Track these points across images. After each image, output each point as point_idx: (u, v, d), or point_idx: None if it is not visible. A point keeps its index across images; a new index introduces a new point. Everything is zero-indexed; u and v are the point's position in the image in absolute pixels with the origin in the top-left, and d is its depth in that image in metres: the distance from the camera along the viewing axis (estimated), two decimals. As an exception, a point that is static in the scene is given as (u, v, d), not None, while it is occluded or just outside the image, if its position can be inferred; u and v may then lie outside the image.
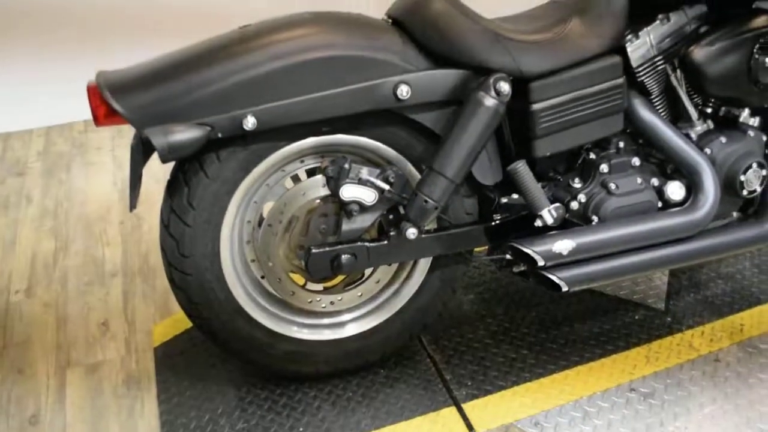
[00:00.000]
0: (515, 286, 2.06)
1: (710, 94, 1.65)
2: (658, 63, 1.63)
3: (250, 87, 1.38)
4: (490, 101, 1.43)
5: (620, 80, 1.57)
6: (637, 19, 1.63)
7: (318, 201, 1.59)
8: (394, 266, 1.70)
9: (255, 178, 1.53)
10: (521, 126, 1.55)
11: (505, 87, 1.44)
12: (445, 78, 1.46)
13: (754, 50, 1.59)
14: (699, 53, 1.59)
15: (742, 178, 1.71)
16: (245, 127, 1.38)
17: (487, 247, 1.74)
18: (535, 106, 1.51)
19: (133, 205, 1.46)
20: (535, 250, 1.56)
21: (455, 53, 1.46)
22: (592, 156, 1.69)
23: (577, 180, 1.68)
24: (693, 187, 1.68)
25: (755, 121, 1.77)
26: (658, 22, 1.61)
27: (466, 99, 1.45)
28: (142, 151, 1.40)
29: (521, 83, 1.51)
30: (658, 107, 1.68)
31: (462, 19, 1.46)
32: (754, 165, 1.71)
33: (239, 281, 1.62)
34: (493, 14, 1.60)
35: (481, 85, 1.44)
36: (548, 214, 1.54)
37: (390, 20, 1.55)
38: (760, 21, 1.62)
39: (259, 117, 1.38)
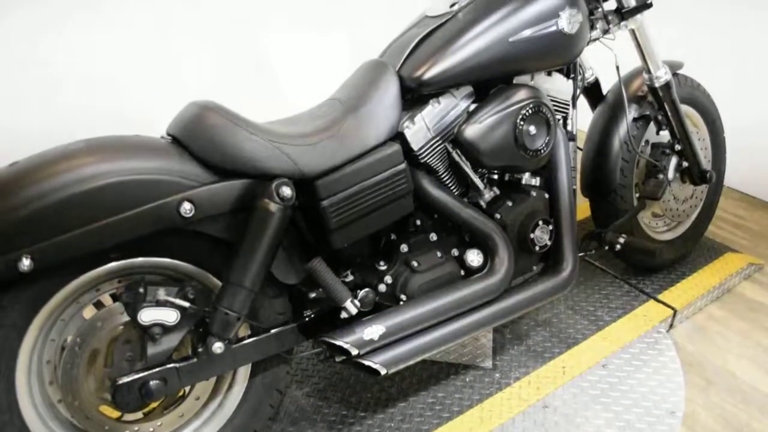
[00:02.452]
0: (349, 370, 2.07)
1: (487, 166, 1.77)
2: (437, 143, 1.73)
3: (21, 227, 1.32)
4: (274, 207, 1.45)
5: (402, 166, 1.65)
6: (412, 104, 1.74)
7: (120, 328, 1.53)
8: (213, 380, 1.66)
9: (46, 317, 1.45)
10: (315, 222, 1.59)
11: (287, 191, 1.47)
12: (229, 189, 1.47)
13: (518, 121, 1.73)
14: (469, 131, 1.70)
15: (532, 235, 1.84)
16: (21, 269, 1.31)
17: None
18: (324, 203, 1.56)
19: None
20: (346, 342, 1.58)
21: (235, 164, 1.48)
22: (393, 237, 1.75)
23: (382, 262, 1.74)
24: (489, 252, 1.78)
25: (536, 181, 1.92)
26: (430, 106, 1.72)
27: (252, 207, 1.47)
28: None
29: (308, 182, 1.55)
30: (446, 182, 1.78)
31: (237, 130, 1.48)
32: (541, 222, 1.85)
33: (46, 426, 1.51)
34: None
35: (264, 192, 1.46)
36: (351, 306, 1.57)
37: (170, 137, 1.55)
38: (520, 94, 1.76)
39: (36, 256, 1.32)
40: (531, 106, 1.74)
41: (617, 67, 2.12)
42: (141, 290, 1.46)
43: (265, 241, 1.46)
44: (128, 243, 1.41)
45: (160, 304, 1.47)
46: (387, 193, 1.63)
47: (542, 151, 1.79)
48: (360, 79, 1.74)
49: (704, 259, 2.64)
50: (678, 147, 2.27)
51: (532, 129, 1.76)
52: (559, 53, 1.80)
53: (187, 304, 1.48)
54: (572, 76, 1.97)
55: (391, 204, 1.65)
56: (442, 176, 1.77)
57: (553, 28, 1.73)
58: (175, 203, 1.41)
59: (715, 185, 2.56)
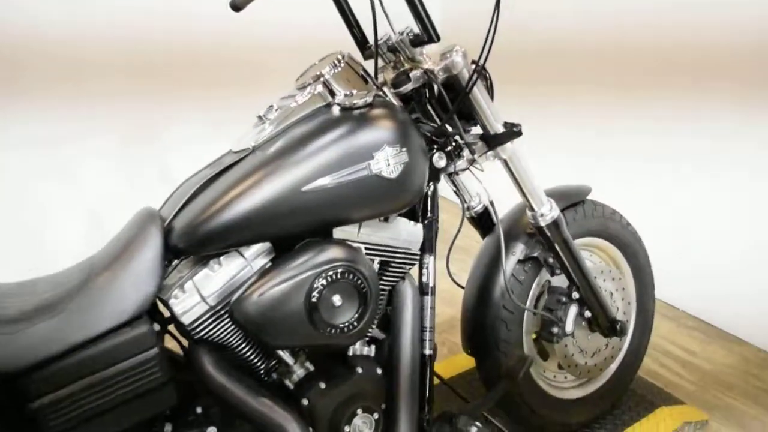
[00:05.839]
0: None
1: (273, 346, 1.41)
2: (218, 315, 1.38)
3: None
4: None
5: (153, 351, 1.29)
6: (186, 266, 1.40)
7: None
8: None
9: None
10: (26, 428, 1.24)
11: None
12: None
13: (312, 290, 1.35)
14: (245, 304, 1.33)
15: (347, 428, 1.46)
16: None
17: None
18: (34, 405, 1.21)
19: None
20: None
21: None
22: (168, 429, 1.39)
23: (144, 463, 1.37)
24: (285, 452, 1.40)
25: (369, 351, 1.55)
26: (207, 269, 1.37)
27: None
28: None
29: (10, 380, 1.20)
30: (243, 358, 1.42)
31: None
32: (360, 410, 1.47)
33: None
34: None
35: None
36: None
37: None
38: (326, 254, 1.38)
39: None
40: (335, 270, 1.38)
41: (491, 203, 1.77)
42: None
43: None
44: None
45: None
46: (131, 387, 1.27)
47: (351, 327, 1.41)
48: (124, 234, 1.40)
49: (629, 415, 2.20)
50: (576, 295, 1.88)
51: (337, 299, 1.39)
52: (379, 201, 1.44)
53: None
54: (425, 219, 1.62)
55: (139, 399, 1.29)
56: (235, 352, 1.42)
57: (365, 173, 1.39)
58: None
59: (642, 326, 2.16)
